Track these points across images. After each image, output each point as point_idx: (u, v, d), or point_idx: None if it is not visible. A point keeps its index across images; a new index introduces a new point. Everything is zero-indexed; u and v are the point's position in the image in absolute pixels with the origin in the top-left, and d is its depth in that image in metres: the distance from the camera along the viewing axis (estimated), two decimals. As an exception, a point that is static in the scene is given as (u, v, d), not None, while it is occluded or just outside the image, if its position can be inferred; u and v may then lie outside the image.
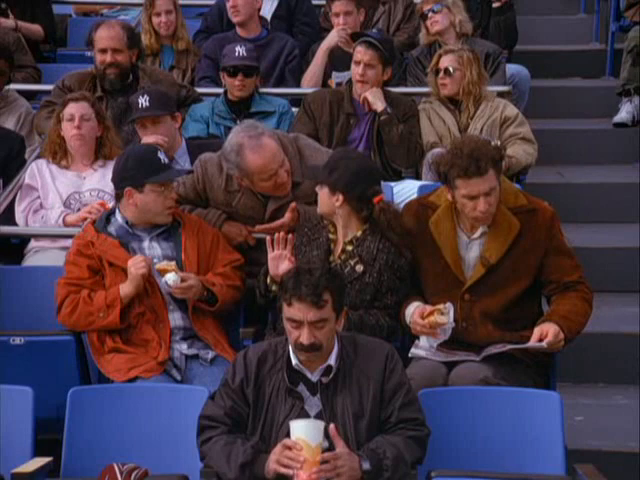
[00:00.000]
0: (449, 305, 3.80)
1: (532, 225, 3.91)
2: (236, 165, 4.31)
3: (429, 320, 3.79)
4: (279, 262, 3.95)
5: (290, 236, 3.98)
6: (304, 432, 3.27)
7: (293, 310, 3.39)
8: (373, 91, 5.28)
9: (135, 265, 4.01)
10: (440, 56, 5.51)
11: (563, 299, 3.91)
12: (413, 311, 3.89)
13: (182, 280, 4.02)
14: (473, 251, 3.92)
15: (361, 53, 5.28)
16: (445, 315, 3.77)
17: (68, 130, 4.83)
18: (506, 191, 3.96)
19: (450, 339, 3.88)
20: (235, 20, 6.11)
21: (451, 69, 5.43)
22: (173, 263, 4.04)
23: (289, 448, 3.27)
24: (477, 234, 3.93)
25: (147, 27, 6.27)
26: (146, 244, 4.15)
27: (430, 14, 6.16)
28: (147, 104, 4.83)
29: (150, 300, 4.07)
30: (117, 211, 4.22)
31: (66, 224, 4.71)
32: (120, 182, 4.19)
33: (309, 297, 3.35)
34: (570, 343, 3.89)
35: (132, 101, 4.94)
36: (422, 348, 3.89)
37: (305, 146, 4.50)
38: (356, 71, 5.29)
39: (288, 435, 3.33)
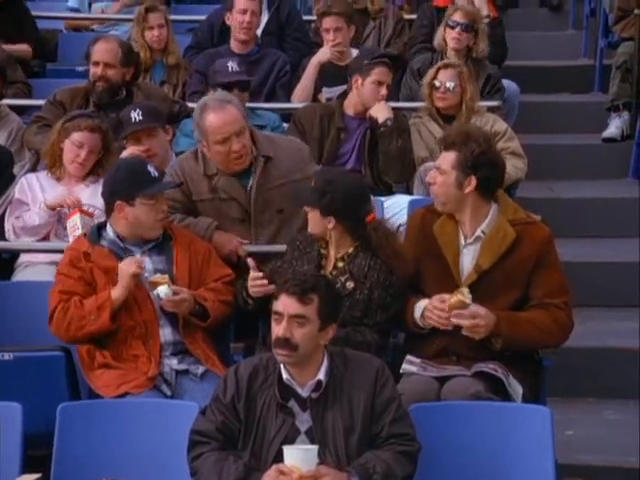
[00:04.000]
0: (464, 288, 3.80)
1: (528, 237, 3.91)
2: (197, 124, 4.39)
3: (451, 301, 3.75)
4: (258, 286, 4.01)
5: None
6: (298, 459, 3.26)
7: (278, 303, 3.43)
8: (381, 102, 5.28)
9: (126, 264, 4.01)
10: (438, 70, 5.52)
11: (527, 311, 3.88)
12: (428, 303, 3.86)
13: (174, 293, 4.02)
14: (467, 256, 3.93)
15: (385, 75, 5.28)
16: (466, 296, 3.76)
17: (71, 154, 4.81)
18: (506, 205, 3.98)
19: (442, 350, 3.88)
20: (244, 36, 6.07)
21: (452, 85, 5.45)
22: (166, 276, 4.03)
23: (284, 474, 3.27)
24: (472, 238, 3.93)
25: (141, 42, 6.28)
26: (137, 258, 4.14)
27: (458, 29, 6.09)
28: (140, 117, 4.84)
29: (142, 315, 4.06)
30: (108, 225, 4.21)
31: (49, 207, 4.72)
32: (110, 196, 4.18)
33: (293, 289, 3.39)
34: (511, 346, 3.81)
35: (124, 116, 4.94)
36: (413, 364, 3.90)
37: (274, 135, 4.58)
38: (378, 92, 5.25)
39: (280, 454, 3.33)
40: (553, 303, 3.89)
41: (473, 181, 3.88)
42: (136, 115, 4.85)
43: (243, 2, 6.09)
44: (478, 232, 3.93)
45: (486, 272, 3.88)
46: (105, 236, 4.18)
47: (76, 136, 4.81)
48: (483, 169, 3.88)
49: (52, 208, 4.73)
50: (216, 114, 4.33)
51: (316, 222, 4.02)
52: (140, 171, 4.15)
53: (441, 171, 3.93)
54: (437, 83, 5.50)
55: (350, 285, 3.95)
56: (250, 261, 4.09)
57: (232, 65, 5.51)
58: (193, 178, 4.43)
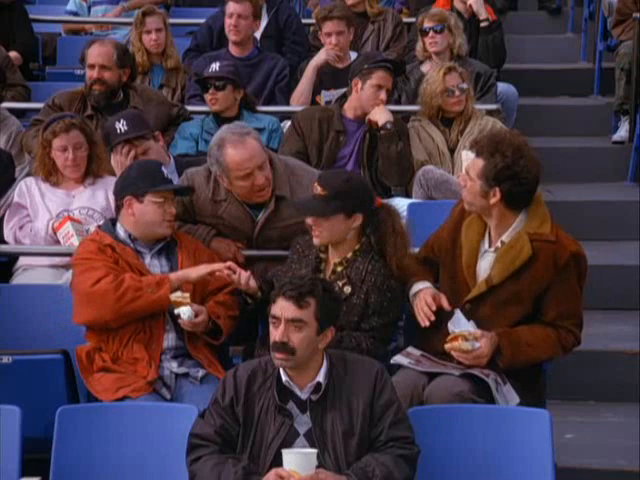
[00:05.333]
0: (472, 329, 3.76)
1: (545, 256, 3.81)
2: (216, 159, 4.31)
3: (452, 345, 3.75)
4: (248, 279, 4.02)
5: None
6: (297, 464, 3.26)
7: (275, 307, 3.43)
8: (381, 105, 5.28)
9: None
10: (444, 76, 5.51)
11: (532, 327, 3.83)
12: (422, 289, 3.90)
13: (196, 315, 3.96)
14: (486, 262, 3.89)
15: (385, 79, 5.29)
16: (469, 342, 3.74)
17: (61, 159, 4.78)
18: (534, 216, 3.88)
19: (443, 351, 3.87)
20: (232, 39, 6.13)
21: (465, 86, 5.47)
22: (187, 295, 3.97)
23: (282, 478, 3.27)
24: (494, 247, 3.89)
25: (138, 45, 6.29)
26: (147, 260, 4.13)
27: (431, 33, 6.18)
28: (125, 128, 4.75)
29: (150, 318, 4.02)
30: (118, 225, 4.17)
31: (56, 230, 4.69)
32: (121, 191, 4.17)
33: (290, 292, 3.40)
34: (516, 365, 3.78)
35: (109, 128, 4.85)
36: (410, 356, 3.89)
37: (296, 167, 4.51)
38: (377, 95, 5.25)
39: (279, 456, 3.32)
40: (563, 325, 3.83)
41: (497, 193, 3.82)
42: (121, 126, 4.75)
43: (231, 6, 6.15)
44: (499, 242, 3.88)
45: (496, 286, 3.83)
46: (117, 235, 4.15)
47: (56, 143, 4.77)
48: (507, 183, 3.79)
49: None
50: (236, 149, 4.25)
51: (338, 228, 3.96)
52: (154, 170, 4.16)
53: (470, 177, 3.89)
54: (452, 88, 5.48)
55: (347, 290, 3.94)
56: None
57: (214, 65, 5.54)
58: (200, 198, 4.41)
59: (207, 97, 5.53)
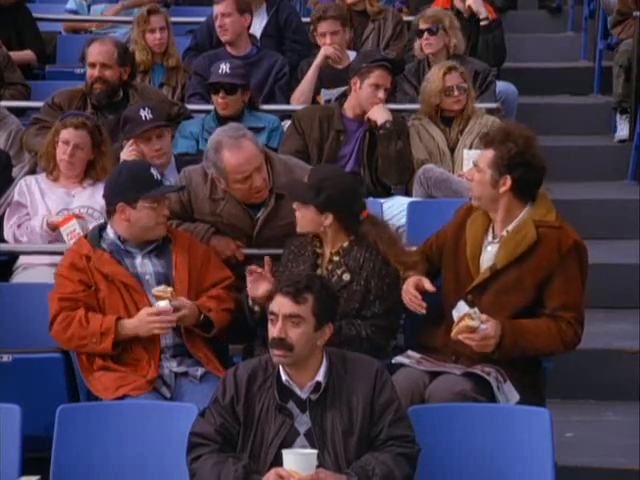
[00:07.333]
0: (476, 309, 3.77)
1: (550, 241, 3.84)
2: (213, 163, 4.31)
3: (459, 327, 3.73)
4: (258, 284, 3.97)
5: (267, 258, 4.01)
6: (297, 464, 3.26)
7: (273, 303, 3.44)
8: (380, 105, 5.28)
9: (153, 322, 3.94)
10: (444, 75, 5.51)
11: (533, 319, 3.83)
12: (411, 281, 3.95)
13: (176, 309, 3.95)
14: (490, 254, 3.91)
15: (384, 78, 5.29)
16: (475, 320, 3.73)
17: (60, 151, 4.82)
18: (540, 206, 3.91)
19: (442, 346, 3.87)
20: (223, 39, 6.16)
21: (464, 85, 5.48)
22: (170, 289, 3.98)
23: (282, 478, 3.27)
24: (498, 237, 3.91)
25: (142, 44, 6.28)
26: (138, 261, 4.13)
27: (425, 34, 6.19)
28: (151, 116, 4.84)
29: None
30: (108, 226, 4.19)
31: (50, 226, 4.71)
32: (112, 198, 4.16)
33: (287, 289, 3.40)
34: (512, 355, 3.79)
35: (130, 116, 4.91)
36: (410, 357, 3.89)
37: (295, 165, 4.52)
38: (376, 94, 5.25)
39: (279, 455, 3.33)
40: (565, 318, 3.83)
41: (508, 181, 3.85)
42: (146, 113, 4.84)
43: (215, 8, 6.18)
44: (504, 232, 3.90)
45: (500, 272, 3.85)
46: (105, 238, 4.16)
47: (62, 134, 4.82)
48: (519, 170, 3.83)
49: (53, 228, 4.70)
50: (233, 153, 4.24)
51: (309, 219, 4.03)
52: (143, 174, 4.14)
53: (478, 169, 3.91)
54: (451, 87, 5.47)
55: (347, 277, 3.98)
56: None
57: (223, 67, 5.50)
58: (198, 196, 4.41)
59: (217, 100, 5.45)
